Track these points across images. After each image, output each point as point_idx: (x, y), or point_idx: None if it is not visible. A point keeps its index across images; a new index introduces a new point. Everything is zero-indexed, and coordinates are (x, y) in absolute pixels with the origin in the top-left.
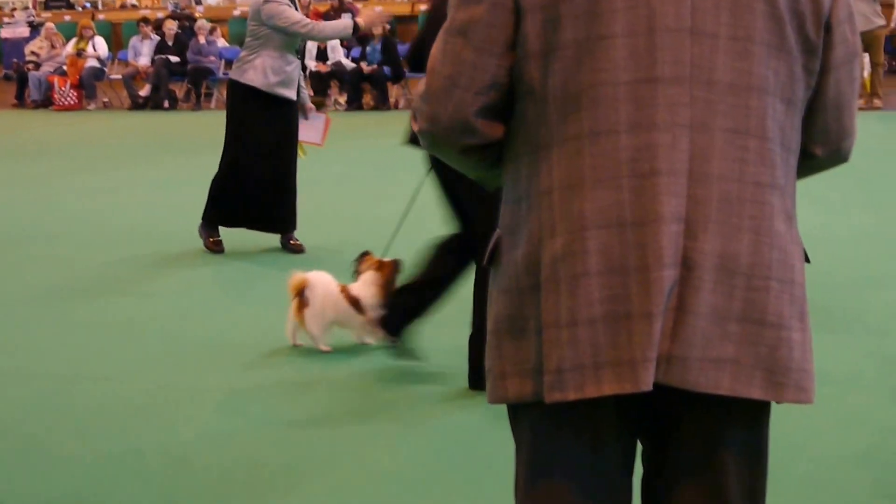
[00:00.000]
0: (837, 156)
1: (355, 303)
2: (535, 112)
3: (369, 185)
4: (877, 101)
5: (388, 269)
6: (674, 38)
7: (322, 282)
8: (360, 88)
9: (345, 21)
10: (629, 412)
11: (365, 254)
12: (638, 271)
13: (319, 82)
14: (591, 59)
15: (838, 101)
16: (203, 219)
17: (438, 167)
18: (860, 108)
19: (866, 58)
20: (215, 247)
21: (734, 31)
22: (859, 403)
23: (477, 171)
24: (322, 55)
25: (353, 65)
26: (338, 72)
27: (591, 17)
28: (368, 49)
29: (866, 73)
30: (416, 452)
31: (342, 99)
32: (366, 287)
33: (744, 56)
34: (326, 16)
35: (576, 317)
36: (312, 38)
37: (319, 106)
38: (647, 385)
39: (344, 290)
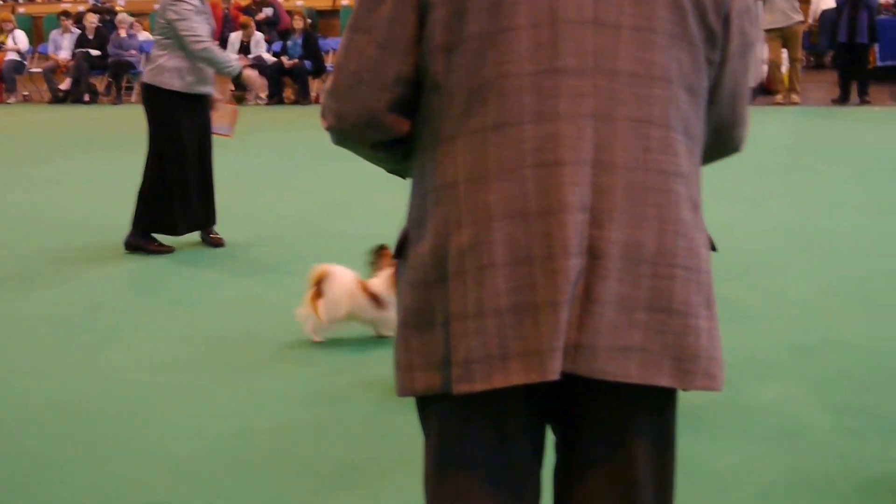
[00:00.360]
0: (731, 145)
1: (374, 298)
2: (440, 106)
3: (289, 179)
4: (794, 97)
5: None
6: (576, 30)
7: (340, 276)
8: (281, 82)
9: (236, 63)
10: (538, 402)
11: (382, 248)
12: (544, 261)
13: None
14: (495, 52)
15: (734, 91)
16: (136, 227)
17: None
18: (779, 104)
19: (785, 53)
20: (161, 248)
21: (637, 21)
22: (774, 392)
23: (388, 164)
24: (244, 49)
25: (274, 59)
26: (258, 66)
27: (494, 9)
28: (289, 43)
29: (785, 69)
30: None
31: (263, 93)
32: (385, 283)
33: (647, 46)
34: (247, 10)
35: (483, 308)
36: (200, 59)
37: (240, 100)
38: (554, 374)
39: (363, 286)
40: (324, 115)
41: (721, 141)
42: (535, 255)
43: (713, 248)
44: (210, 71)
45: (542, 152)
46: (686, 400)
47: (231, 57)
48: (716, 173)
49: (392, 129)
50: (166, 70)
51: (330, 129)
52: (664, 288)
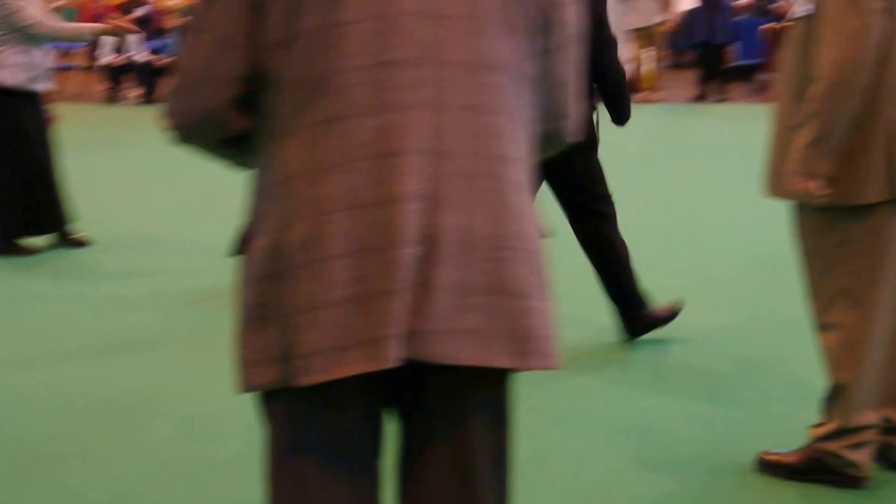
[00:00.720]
0: (557, 135)
1: None
2: (279, 101)
3: (161, 178)
4: (657, 95)
5: None
6: (410, 21)
7: None
8: (156, 81)
9: (90, 26)
10: (381, 389)
11: None
12: (380, 251)
13: (113, 75)
14: (330, 46)
15: (558, 80)
16: None
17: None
18: (646, 101)
19: (647, 52)
20: (23, 250)
21: (464, 10)
22: (623, 381)
23: (234, 160)
24: (119, 49)
25: (149, 57)
26: (132, 64)
27: (328, 4)
28: (164, 42)
29: (647, 68)
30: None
31: (136, 92)
32: None
33: (477, 35)
34: (125, 7)
35: (321, 300)
36: (54, 39)
37: (114, 100)
38: (392, 362)
39: None
40: (166, 115)
41: (547, 131)
42: (372, 245)
43: (545, 234)
44: (47, 65)
45: (379, 143)
46: (534, 389)
47: (80, 24)
48: None
49: (234, 125)
50: (4, 67)
51: (172, 128)
52: (498, 271)
